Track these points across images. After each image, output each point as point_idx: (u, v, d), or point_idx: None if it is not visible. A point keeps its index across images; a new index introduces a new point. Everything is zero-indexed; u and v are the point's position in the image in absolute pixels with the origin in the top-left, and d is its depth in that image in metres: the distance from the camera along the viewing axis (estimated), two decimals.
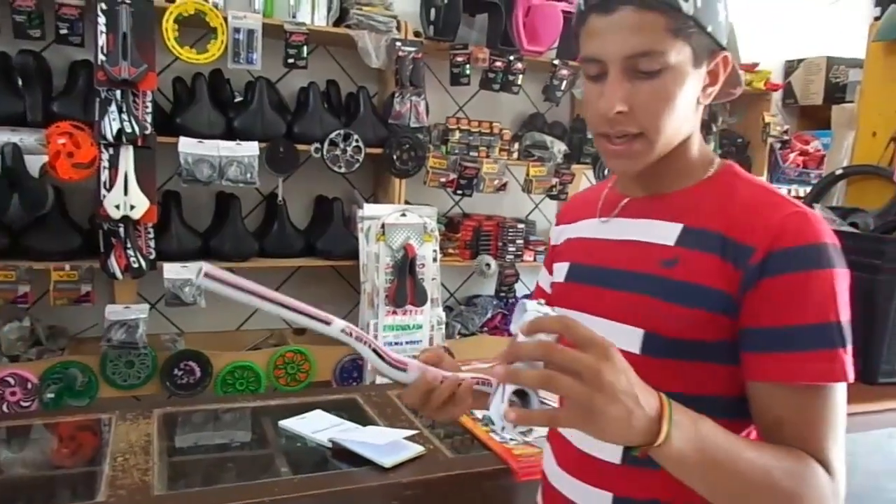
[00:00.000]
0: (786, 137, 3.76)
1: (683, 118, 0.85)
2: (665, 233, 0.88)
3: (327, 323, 0.80)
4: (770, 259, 0.79)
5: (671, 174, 0.91)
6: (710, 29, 0.82)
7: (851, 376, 0.78)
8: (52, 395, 2.34)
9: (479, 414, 1.56)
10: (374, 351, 0.85)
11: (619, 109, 0.81)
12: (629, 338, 0.86)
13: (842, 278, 0.79)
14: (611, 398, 0.66)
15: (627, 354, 0.83)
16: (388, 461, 1.32)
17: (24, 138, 2.22)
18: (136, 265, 2.34)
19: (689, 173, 0.91)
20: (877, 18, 2.37)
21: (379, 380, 2.64)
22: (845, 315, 0.79)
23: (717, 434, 0.73)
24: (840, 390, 0.79)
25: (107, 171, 2.28)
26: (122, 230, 2.33)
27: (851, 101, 2.94)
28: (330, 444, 1.41)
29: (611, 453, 0.89)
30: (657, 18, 0.79)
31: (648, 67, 0.80)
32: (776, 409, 0.79)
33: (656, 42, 0.79)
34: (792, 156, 3.80)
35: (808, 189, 2.76)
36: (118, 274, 2.34)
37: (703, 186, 0.90)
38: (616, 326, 0.88)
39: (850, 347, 0.79)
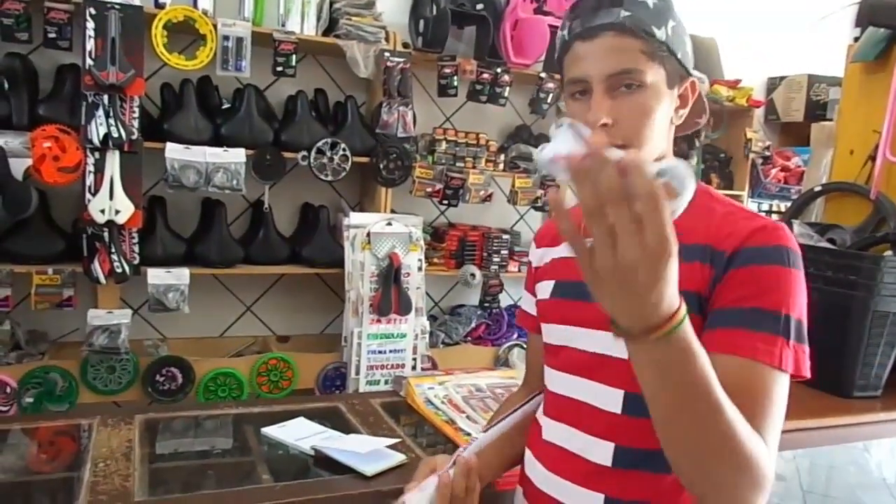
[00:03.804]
0: (767, 153, 3.82)
1: (660, 134, 0.92)
2: None
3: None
4: (739, 254, 0.85)
5: None
6: (679, 55, 0.91)
7: (804, 372, 0.82)
8: (31, 400, 2.32)
9: (461, 423, 1.57)
10: None
11: (604, 121, 0.87)
12: (620, 346, 0.88)
13: (800, 280, 0.85)
14: (665, 260, 0.63)
15: (619, 360, 0.87)
16: (370, 469, 1.32)
17: (9, 141, 2.21)
18: (119, 270, 2.34)
19: None
20: (856, 39, 2.41)
21: (362, 388, 2.64)
22: (797, 312, 0.84)
23: (706, 357, 0.71)
24: (781, 382, 0.81)
25: (92, 176, 2.28)
26: (106, 235, 2.32)
27: (831, 119, 2.99)
28: (312, 452, 1.41)
29: (601, 455, 0.92)
30: (634, 42, 0.87)
31: (629, 83, 0.87)
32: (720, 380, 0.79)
33: (634, 62, 0.87)
34: (773, 171, 3.86)
35: (789, 204, 2.80)
36: (101, 279, 2.33)
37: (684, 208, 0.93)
38: (606, 336, 0.90)
39: (802, 345, 0.83)
